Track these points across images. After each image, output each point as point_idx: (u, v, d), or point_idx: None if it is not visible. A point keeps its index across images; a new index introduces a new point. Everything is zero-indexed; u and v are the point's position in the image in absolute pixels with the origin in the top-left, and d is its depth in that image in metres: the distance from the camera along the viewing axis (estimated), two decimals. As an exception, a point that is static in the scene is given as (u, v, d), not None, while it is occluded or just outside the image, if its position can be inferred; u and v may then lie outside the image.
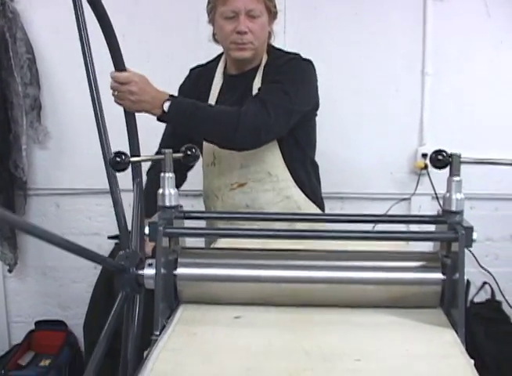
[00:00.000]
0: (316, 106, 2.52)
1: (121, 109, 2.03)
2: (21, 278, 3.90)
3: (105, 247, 3.68)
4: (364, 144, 3.58)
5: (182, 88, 2.65)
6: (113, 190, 1.65)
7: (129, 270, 1.53)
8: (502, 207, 3.70)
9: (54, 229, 3.81)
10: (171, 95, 2.23)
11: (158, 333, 1.42)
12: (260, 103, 2.29)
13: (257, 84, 2.44)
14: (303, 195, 2.53)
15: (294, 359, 1.27)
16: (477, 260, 3.63)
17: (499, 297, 3.75)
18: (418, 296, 1.52)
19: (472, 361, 1.28)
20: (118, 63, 1.92)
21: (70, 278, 3.87)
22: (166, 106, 2.18)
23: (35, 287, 3.91)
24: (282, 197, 2.50)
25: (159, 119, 2.23)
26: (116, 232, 1.70)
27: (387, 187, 3.63)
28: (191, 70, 2.68)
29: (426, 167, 3.51)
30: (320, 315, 1.51)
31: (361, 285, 1.53)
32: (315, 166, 2.65)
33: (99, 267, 3.66)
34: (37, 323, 3.85)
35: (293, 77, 2.38)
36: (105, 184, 1.63)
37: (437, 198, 3.48)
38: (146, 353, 1.36)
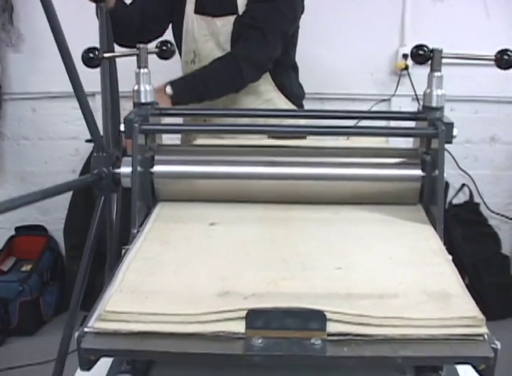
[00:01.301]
0: (303, 11, 2.42)
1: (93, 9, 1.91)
2: (-1, 184, 3.83)
3: (82, 151, 3.62)
4: (344, 45, 3.48)
5: None
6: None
7: (106, 175, 1.48)
8: (482, 109, 3.65)
9: (31, 133, 3.78)
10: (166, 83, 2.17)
11: (136, 231, 1.37)
12: (259, 33, 2.23)
13: None
14: (284, 98, 2.47)
15: (272, 268, 1.18)
16: (456, 162, 3.61)
17: (477, 199, 3.75)
18: (397, 193, 1.48)
19: (450, 257, 1.24)
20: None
21: (48, 183, 3.67)
22: (168, 90, 2.12)
23: (14, 193, 3.71)
24: (262, 100, 2.44)
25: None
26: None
27: (368, 88, 3.56)
28: None
29: (406, 68, 3.44)
30: (299, 213, 1.45)
31: (341, 181, 1.49)
32: (296, 69, 2.57)
33: (78, 171, 3.64)
34: (18, 229, 3.81)
35: None
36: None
37: (417, 99, 3.42)
38: (123, 252, 1.30)
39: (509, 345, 0.98)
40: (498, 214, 3.77)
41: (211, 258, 1.23)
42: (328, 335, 0.98)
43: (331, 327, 0.99)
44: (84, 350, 0.98)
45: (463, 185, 3.75)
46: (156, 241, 1.30)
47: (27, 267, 3.58)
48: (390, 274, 1.16)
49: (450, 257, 1.24)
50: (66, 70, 1.37)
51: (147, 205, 1.49)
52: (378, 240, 1.31)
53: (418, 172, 1.46)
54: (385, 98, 3.56)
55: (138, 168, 1.42)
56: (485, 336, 0.98)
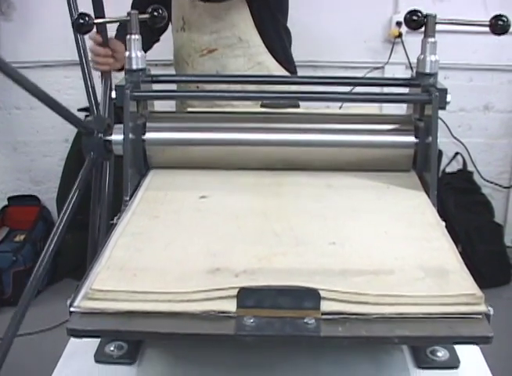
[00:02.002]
0: None
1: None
2: (-8, 154, 3.78)
3: (75, 121, 3.56)
4: (337, 12, 3.42)
5: None
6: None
7: (96, 133, 1.44)
8: (476, 77, 3.61)
9: (22, 103, 3.71)
10: None
11: (128, 198, 1.34)
12: None
13: None
14: (275, 62, 2.40)
15: (264, 243, 1.13)
16: (449, 130, 3.57)
17: (470, 167, 3.72)
18: (391, 159, 1.45)
19: (443, 223, 1.21)
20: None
21: (41, 152, 3.76)
22: None
23: (6, 163, 3.79)
24: (253, 63, 2.37)
25: None
26: (86, 104, 1.62)
27: (361, 56, 3.51)
28: None
29: (400, 35, 3.39)
30: (291, 182, 1.41)
31: (334, 148, 1.45)
32: (288, 33, 2.49)
33: (70, 140, 3.59)
34: (10, 199, 3.78)
35: None
36: (74, 55, 1.57)
37: (410, 67, 3.37)
38: (115, 219, 1.26)
39: (501, 312, 0.95)
40: (491, 182, 3.74)
41: (201, 233, 1.17)
42: (322, 314, 0.94)
43: (325, 306, 0.94)
44: (70, 330, 0.93)
45: (457, 153, 3.71)
46: (145, 216, 1.24)
47: (20, 237, 3.55)
48: (385, 249, 1.11)
49: (444, 223, 1.21)
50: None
51: (139, 173, 1.47)
52: (373, 213, 1.26)
53: (411, 139, 1.43)
54: (378, 66, 3.51)
55: (130, 136, 1.40)
56: (485, 314, 0.94)
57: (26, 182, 3.82)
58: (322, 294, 0.95)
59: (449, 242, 1.13)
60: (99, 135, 1.43)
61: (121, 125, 1.40)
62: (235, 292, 0.95)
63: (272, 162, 1.47)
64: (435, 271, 1.03)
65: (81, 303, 0.96)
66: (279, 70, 2.40)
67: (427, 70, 1.45)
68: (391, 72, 3.49)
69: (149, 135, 1.45)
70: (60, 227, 1.29)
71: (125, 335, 0.96)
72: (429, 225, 1.20)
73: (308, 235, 1.16)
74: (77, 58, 1.65)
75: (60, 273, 3.51)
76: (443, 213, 1.26)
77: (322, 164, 1.46)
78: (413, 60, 2.94)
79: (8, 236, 3.60)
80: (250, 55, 2.34)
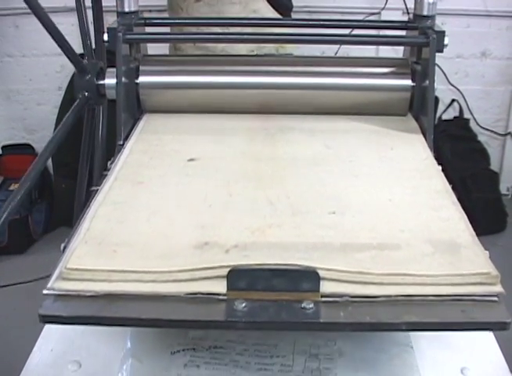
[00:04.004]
0: None
1: None
2: (-17, 105, 3.64)
3: (68, 67, 3.41)
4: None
5: None
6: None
7: (88, 71, 1.39)
8: (473, 23, 3.44)
9: (14, 51, 3.56)
10: None
11: (121, 143, 1.29)
12: None
13: None
14: (271, 9, 2.30)
15: (258, 213, 1.00)
16: (446, 77, 3.43)
17: (467, 115, 3.59)
18: (387, 103, 1.41)
19: (439, 167, 1.16)
20: None
21: (34, 101, 3.62)
22: None
23: (0, 112, 3.65)
24: (249, 10, 2.27)
25: None
26: (78, 51, 1.52)
27: (357, 1, 3.37)
28: None
29: (397, -21, 3.23)
30: (286, 123, 1.36)
31: (330, 91, 1.41)
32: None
33: (64, 88, 3.45)
34: (4, 148, 3.65)
35: None
36: (66, 2, 1.45)
37: (407, 13, 3.20)
38: (109, 163, 1.21)
39: (495, 259, 0.88)
40: (487, 130, 3.61)
41: (189, 201, 1.05)
42: (322, 297, 0.82)
43: (325, 287, 0.83)
44: (42, 317, 0.81)
45: (453, 100, 3.57)
46: (129, 182, 1.11)
47: (14, 186, 3.40)
48: (390, 220, 0.98)
49: (440, 166, 1.17)
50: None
51: (133, 117, 1.42)
52: (376, 178, 1.13)
53: (408, 82, 1.40)
54: (375, 11, 3.35)
55: (123, 79, 1.36)
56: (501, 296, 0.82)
57: (20, 130, 3.69)
58: (322, 273, 0.83)
59: (460, 211, 1.01)
60: (91, 74, 1.39)
61: (114, 69, 1.35)
62: (225, 272, 0.83)
63: (267, 106, 1.42)
64: (445, 245, 0.91)
65: (55, 284, 0.85)
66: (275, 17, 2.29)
67: (425, 13, 1.42)
68: (387, 18, 3.26)
69: (142, 79, 1.43)
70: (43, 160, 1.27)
71: (104, 322, 0.84)
72: (436, 193, 1.07)
73: (306, 203, 1.04)
74: (69, 4, 1.54)
75: (55, 222, 3.43)
76: (439, 160, 1.21)
77: (318, 108, 1.42)
78: (410, 6, 2.83)
79: (3, 185, 3.50)
80: (246, 2, 2.26)
